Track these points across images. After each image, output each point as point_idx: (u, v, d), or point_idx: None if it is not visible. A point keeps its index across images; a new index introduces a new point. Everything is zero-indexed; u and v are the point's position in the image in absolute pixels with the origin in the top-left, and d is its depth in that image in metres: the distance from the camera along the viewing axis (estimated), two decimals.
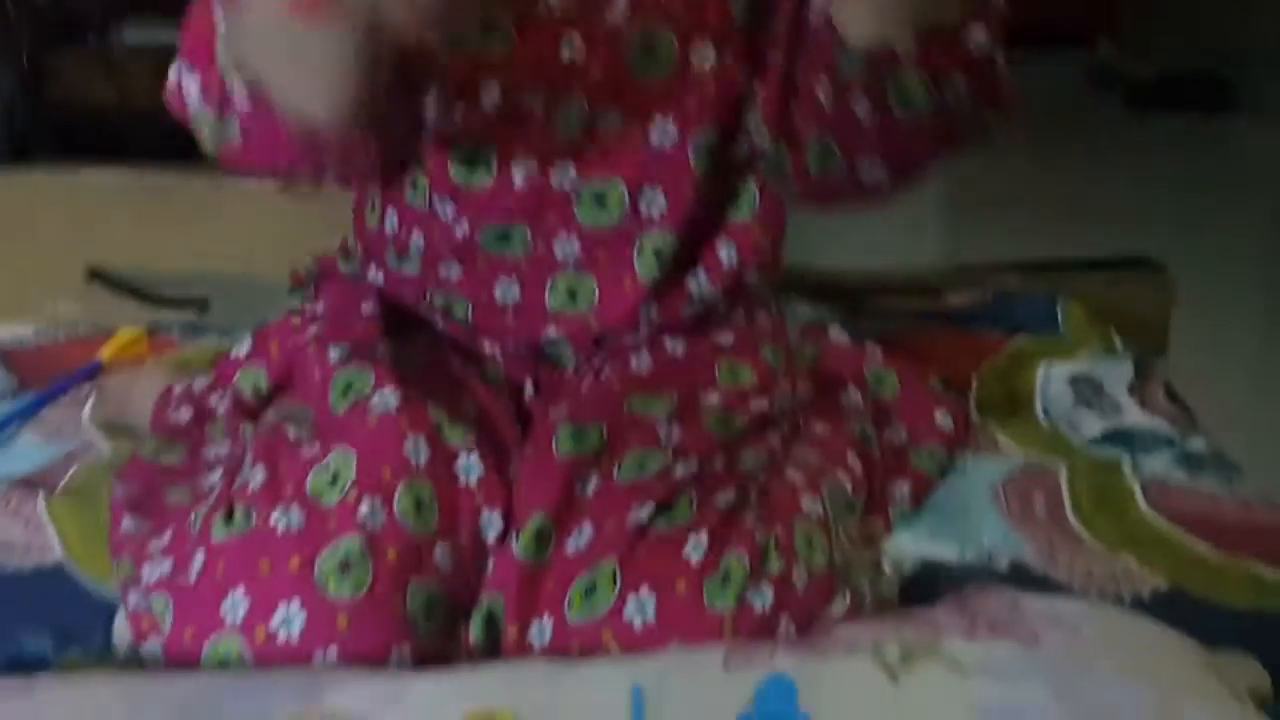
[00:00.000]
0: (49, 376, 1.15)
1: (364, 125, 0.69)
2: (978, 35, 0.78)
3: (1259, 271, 3.12)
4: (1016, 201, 3.46)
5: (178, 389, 0.98)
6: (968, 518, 0.87)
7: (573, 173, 0.84)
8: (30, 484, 0.97)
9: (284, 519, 0.71)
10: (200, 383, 0.95)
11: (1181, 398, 1.06)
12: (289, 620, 0.69)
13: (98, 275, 1.29)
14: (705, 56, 0.84)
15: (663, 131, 0.84)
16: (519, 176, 0.84)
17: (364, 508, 0.71)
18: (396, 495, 0.72)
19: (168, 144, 3.20)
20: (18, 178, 1.34)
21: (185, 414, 0.92)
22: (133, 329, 1.22)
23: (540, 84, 0.82)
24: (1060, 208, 3.44)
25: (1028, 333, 1.12)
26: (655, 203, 0.85)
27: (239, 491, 0.75)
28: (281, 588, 0.69)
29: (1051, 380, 1.05)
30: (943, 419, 0.94)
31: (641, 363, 0.86)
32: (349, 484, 0.72)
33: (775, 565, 0.73)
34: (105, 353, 1.18)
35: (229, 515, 0.73)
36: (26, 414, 1.09)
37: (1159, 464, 0.92)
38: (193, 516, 0.76)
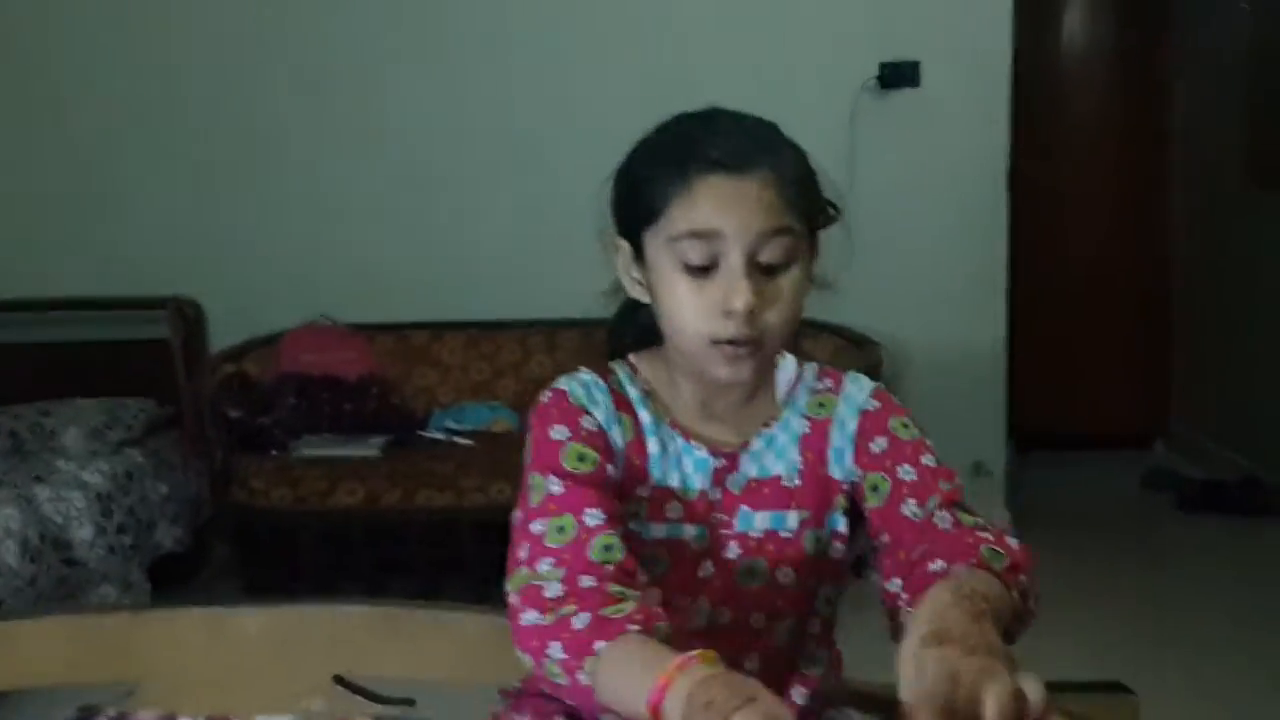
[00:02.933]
0: None
1: None
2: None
3: None
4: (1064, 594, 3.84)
5: None
6: None
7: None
8: None
9: None
10: None
11: None
12: None
13: (340, 681, 1.78)
14: (787, 575, 1.32)
15: (757, 619, 1.31)
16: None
17: None
18: None
19: (333, 542, 3.77)
20: (284, 609, 1.85)
21: None
22: (365, 718, 1.70)
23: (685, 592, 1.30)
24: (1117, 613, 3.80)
25: None
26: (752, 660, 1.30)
27: None
28: None
29: None
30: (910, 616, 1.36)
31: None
32: None
33: None
34: None
35: None
36: None
37: None
38: None
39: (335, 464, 3.80)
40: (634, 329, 1.37)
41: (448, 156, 4.41)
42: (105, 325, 4.28)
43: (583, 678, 1.10)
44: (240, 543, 3.90)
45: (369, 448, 3.90)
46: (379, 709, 1.79)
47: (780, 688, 1.33)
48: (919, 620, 1.00)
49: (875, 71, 4.23)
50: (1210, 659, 3.48)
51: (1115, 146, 5.73)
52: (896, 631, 1.18)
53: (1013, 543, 1.19)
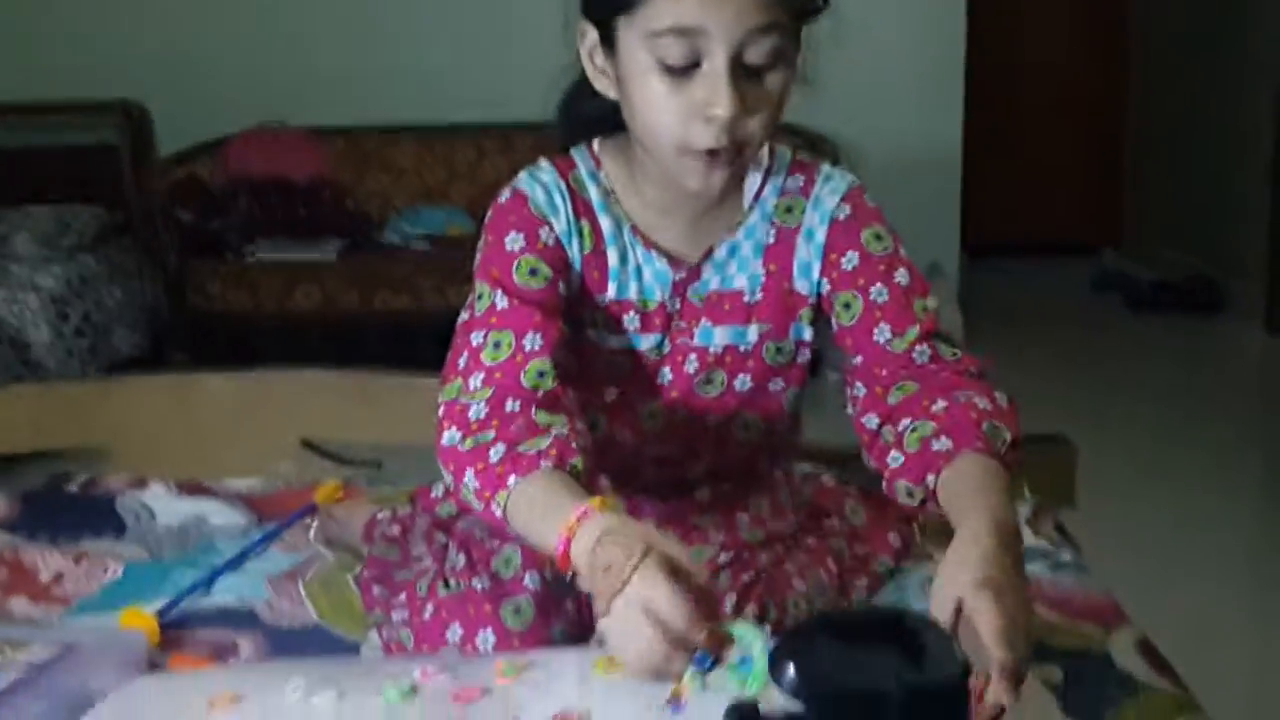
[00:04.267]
0: (279, 513, 1.66)
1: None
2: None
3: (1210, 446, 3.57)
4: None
5: (381, 515, 1.48)
6: (903, 603, 1.34)
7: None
8: (289, 576, 1.47)
9: (479, 584, 1.20)
10: (403, 510, 1.45)
11: (1066, 528, 1.53)
12: (485, 640, 1.17)
13: (308, 445, 1.81)
14: (744, 382, 1.30)
15: (713, 418, 1.30)
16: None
17: (526, 579, 1.20)
18: (545, 569, 1.20)
19: (291, 346, 3.79)
20: (248, 375, 1.87)
21: (395, 529, 1.42)
22: (333, 481, 1.74)
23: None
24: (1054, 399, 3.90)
25: None
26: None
27: (450, 570, 1.24)
28: (480, 622, 1.18)
29: None
30: (894, 539, 1.41)
31: (702, 493, 1.35)
32: (518, 565, 1.20)
33: (772, 616, 1.21)
34: (317, 496, 1.69)
35: (445, 583, 1.22)
36: (273, 536, 1.60)
37: (1035, 567, 1.40)
38: (419, 585, 1.26)
39: (291, 267, 3.80)
40: (588, 115, 1.28)
41: None
42: (51, 131, 4.20)
43: (495, 510, 1.09)
44: (197, 348, 3.90)
45: (324, 251, 3.89)
46: (347, 471, 1.83)
47: (736, 504, 1.34)
48: (967, 562, 0.97)
49: None
50: (1153, 433, 3.61)
51: None
52: (890, 486, 1.17)
53: (1000, 398, 1.17)
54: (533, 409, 1.14)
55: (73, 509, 1.68)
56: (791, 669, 0.68)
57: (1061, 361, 4.33)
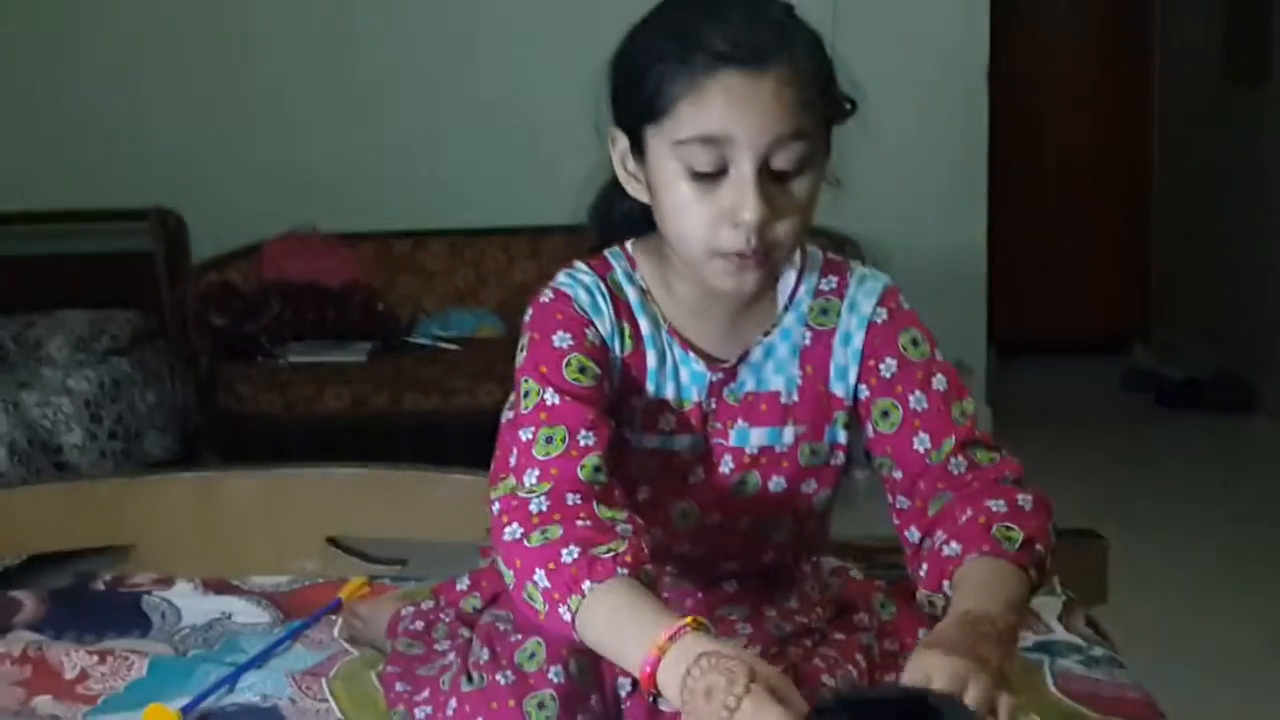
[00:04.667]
0: (304, 610, 1.66)
1: None
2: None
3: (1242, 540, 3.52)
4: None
5: (405, 611, 1.48)
6: None
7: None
8: (313, 673, 1.47)
9: (503, 678, 1.19)
10: (427, 605, 1.44)
11: (1099, 625, 1.51)
12: None
13: (333, 542, 1.81)
14: (779, 484, 1.29)
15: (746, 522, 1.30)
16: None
17: (551, 673, 1.18)
18: (569, 664, 1.19)
19: (321, 447, 3.79)
20: (273, 472, 1.88)
21: (418, 624, 1.42)
22: (359, 578, 1.73)
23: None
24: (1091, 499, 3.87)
25: None
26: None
27: (474, 664, 1.22)
28: (504, 717, 1.16)
29: None
30: (923, 634, 1.39)
31: (729, 585, 1.34)
32: (543, 659, 1.19)
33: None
34: (343, 593, 1.69)
35: (469, 677, 1.21)
36: (298, 631, 1.59)
37: (1067, 662, 1.38)
38: (442, 680, 1.25)
39: (321, 369, 3.83)
40: (621, 217, 1.30)
41: (426, 59, 4.40)
42: (87, 239, 4.27)
43: (565, 614, 1.07)
44: (228, 450, 3.92)
45: (355, 353, 3.92)
46: (372, 569, 1.83)
47: (764, 597, 1.34)
48: (920, 641, 1.05)
49: None
50: (1183, 532, 3.56)
51: (1096, 43, 5.73)
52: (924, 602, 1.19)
53: (1022, 500, 1.18)
54: (594, 503, 1.13)
55: (98, 607, 1.68)
56: None
57: (1092, 460, 4.29)
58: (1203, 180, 5.27)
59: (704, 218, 1.16)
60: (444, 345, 4.05)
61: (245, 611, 1.67)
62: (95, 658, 1.51)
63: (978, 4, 4.35)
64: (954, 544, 1.15)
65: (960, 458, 1.23)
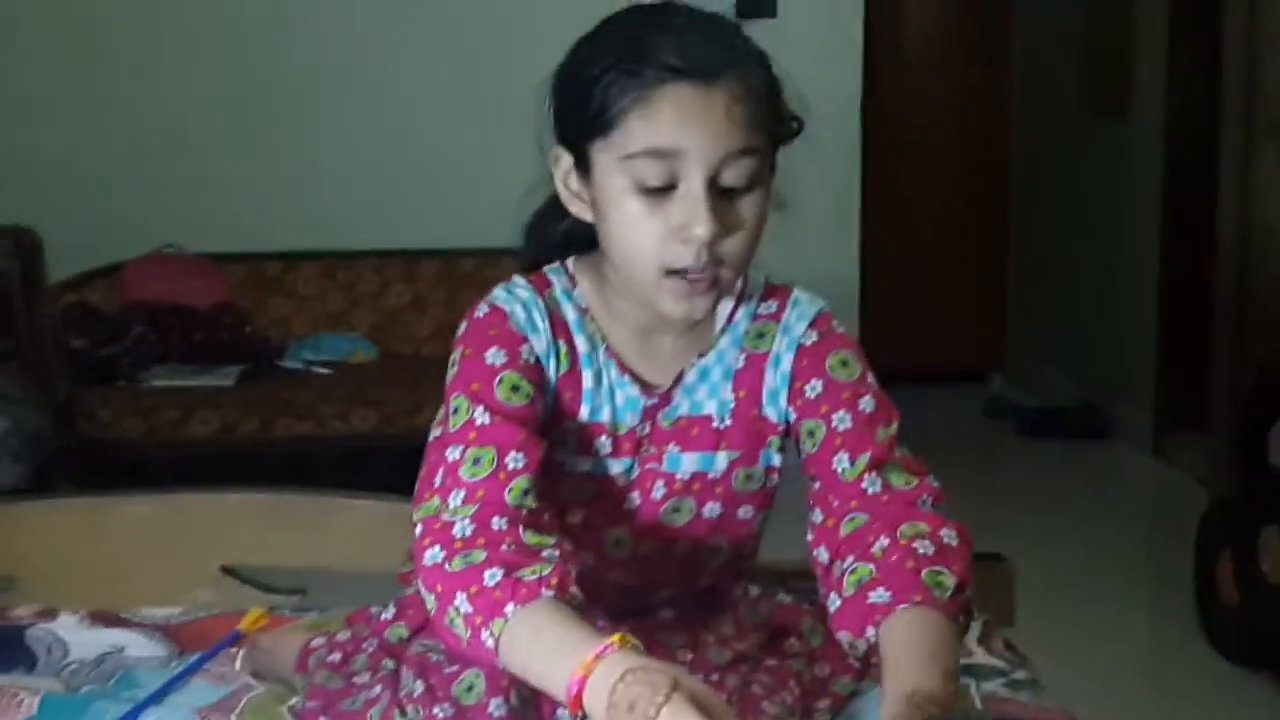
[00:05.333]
0: (200, 643, 1.58)
1: None
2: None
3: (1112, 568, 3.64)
4: None
5: (316, 642, 1.41)
6: None
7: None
8: (218, 709, 1.39)
9: (440, 712, 1.14)
10: (342, 635, 1.38)
11: (1016, 646, 1.53)
12: None
13: (229, 571, 1.74)
14: (713, 510, 1.27)
15: (682, 547, 1.27)
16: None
17: (491, 706, 1.14)
18: (510, 696, 1.15)
19: (187, 475, 3.66)
20: (163, 498, 1.80)
21: (335, 656, 1.35)
22: (257, 609, 1.66)
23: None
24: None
25: None
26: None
27: (406, 697, 1.17)
28: None
29: None
30: (852, 660, 1.38)
31: (665, 614, 1.31)
32: (481, 691, 1.15)
33: None
34: (242, 625, 1.61)
35: (402, 711, 1.16)
36: (195, 667, 1.51)
37: (992, 685, 1.38)
38: (369, 715, 1.19)
39: (188, 394, 3.70)
40: (559, 235, 1.27)
41: (300, 74, 4.30)
42: None
43: (487, 639, 1.05)
44: (86, 478, 3.75)
45: (223, 377, 3.80)
46: (271, 599, 1.75)
47: (701, 623, 1.32)
48: None
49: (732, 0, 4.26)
50: (1052, 556, 3.66)
51: (958, 75, 5.88)
52: (832, 630, 1.18)
53: (947, 536, 1.18)
54: (520, 528, 1.10)
55: None
56: None
57: (955, 488, 4.36)
58: (1059, 213, 5.44)
59: (653, 234, 1.14)
60: (316, 369, 3.95)
61: (138, 644, 1.58)
62: None
63: (852, 39, 4.44)
64: (882, 590, 1.13)
65: (875, 475, 1.22)
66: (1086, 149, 5.18)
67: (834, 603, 1.17)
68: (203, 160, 4.29)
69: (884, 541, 1.16)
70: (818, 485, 1.25)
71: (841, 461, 1.23)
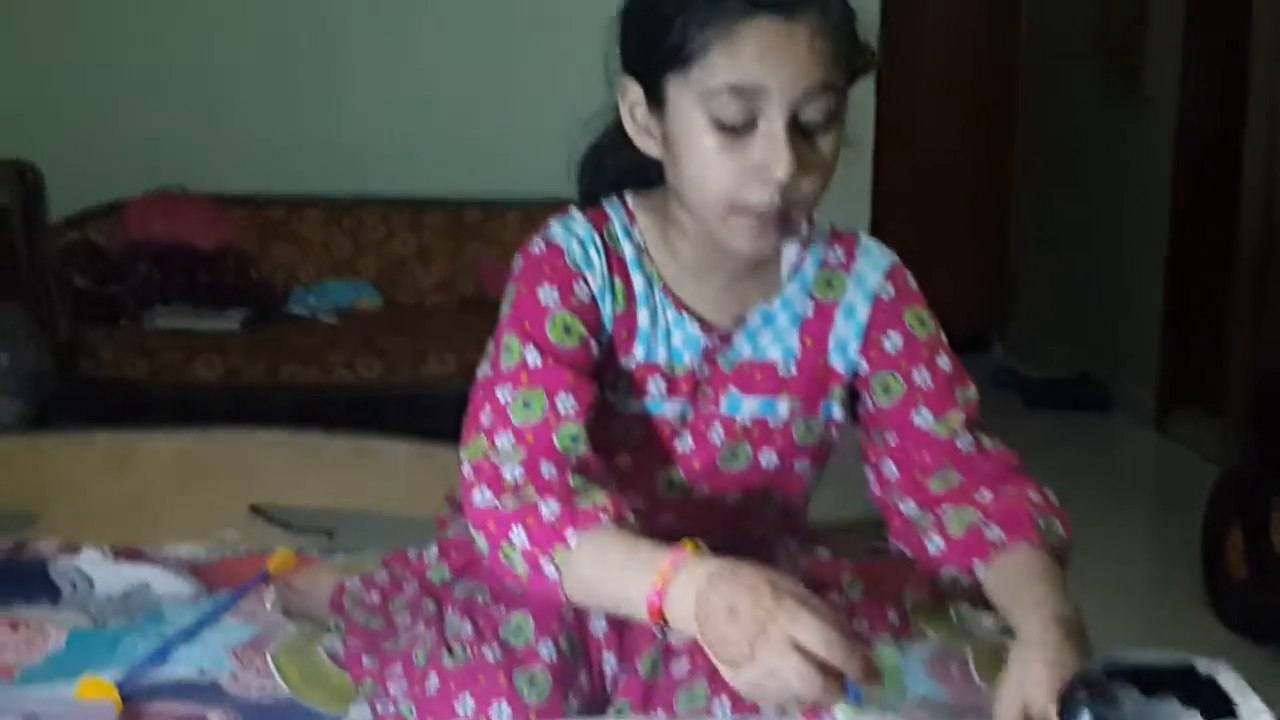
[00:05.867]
0: (227, 582, 1.56)
1: None
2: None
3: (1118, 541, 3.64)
4: None
5: (350, 583, 1.39)
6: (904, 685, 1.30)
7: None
8: (252, 646, 1.37)
9: (490, 653, 1.12)
10: (380, 576, 1.36)
11: None
12: (499, 712, 1.09)
13: (257, 510, 1.71)
14: (770, 460, 1.25)
15: (734, 498, 1.25)
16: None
17: (541, 648, 1.12)
18: (560, 640, 1.13)
19: (192, 420, 3.63)
20: (191, 435, 1.77)
21: (374, 597, 1.33)
22: (286, 549, 1.63)
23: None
24: None
25: None
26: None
27: (453, 638, 1.15)
28: (494, 694, 1.10)
29: None
30: (892, 617, 1.36)
31: None
32: (530, 634, 1.13)
33: None
34: (270, 565, 1.59)
35: (449, 651, 1.14)
36: (227, 606, 1.49)
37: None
38: (415, 655, 1.17)
39: (192, 336, 3.66)
40: (614, 171, 1.25)
41: (310, 16, 4.24)
42: None
43: (550, 570, 1.04)
44: (87, 419, 3.71)
45: (228, 321, 3.76)
46: (298, 540, 1.72)
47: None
48: (1035, 664, 0.99)
49: None
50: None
51: (969, 43, 5.84)
52: (935, 586, 1.18)
53: (1050, 495, 1.18)
54: (569, 474, 1.09)
55: (1, 575, 1.55)
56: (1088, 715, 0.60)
57: None
58: (1065, 183, 5.42)
59: (730, 172, 1.11)
60: (322, 317, 3.91)
61: (164, 581, 1.55)
62: (6, 627, 1.39)
63: (869, 8, 4.39)
64: (995, 528, 1.13)
65: (969, 436, 1.21)
66: (1094, 119, 5.13)
67: (937, 545, 1.16)
68: (207, 98, 4.23)
69: (987, 494, 1.17)
70: (894, 440, 1.23)
71: (925, 417, 1.21)
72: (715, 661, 0.96)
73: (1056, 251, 5.50)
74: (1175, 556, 3.27)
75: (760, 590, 0.94)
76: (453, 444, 1.22)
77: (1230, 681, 0.63)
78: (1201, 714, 0.59)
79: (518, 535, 1.05)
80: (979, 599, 1.14)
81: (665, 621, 0.98)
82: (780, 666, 0.91)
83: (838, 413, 1.27)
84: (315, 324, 3.86)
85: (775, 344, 1.24)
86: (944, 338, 1.26)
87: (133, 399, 3.59)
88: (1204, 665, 0.64)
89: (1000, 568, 1.11)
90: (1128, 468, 4.47)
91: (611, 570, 1.02)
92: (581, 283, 1.18)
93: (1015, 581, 1.09)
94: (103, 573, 1.56)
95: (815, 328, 1.25)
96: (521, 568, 1.06)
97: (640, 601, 0.99)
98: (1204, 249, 4.28)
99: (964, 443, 1.21)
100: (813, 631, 0.91)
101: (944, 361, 1.24)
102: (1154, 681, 0.61)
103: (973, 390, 1.25)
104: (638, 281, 1.21)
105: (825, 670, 0.91)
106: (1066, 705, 0.59)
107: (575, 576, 1.03)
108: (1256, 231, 3.85)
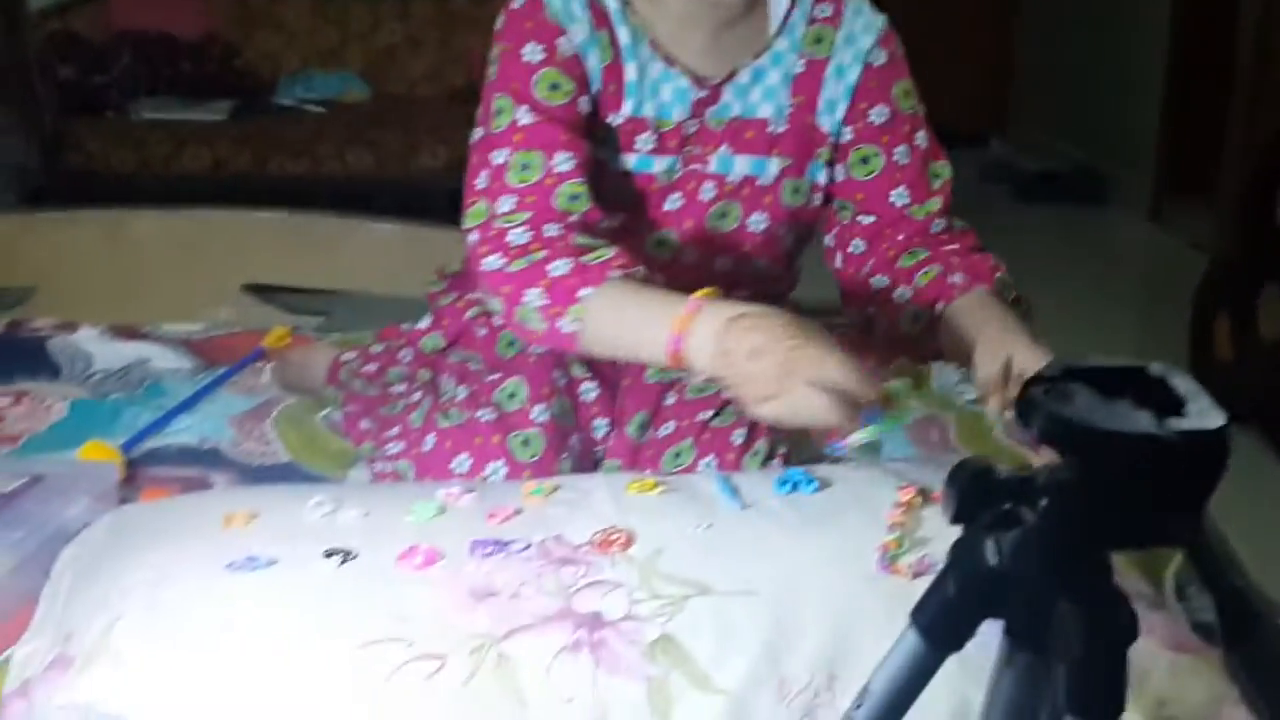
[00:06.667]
0: (224, 359, 1.58)
1: None
2: None
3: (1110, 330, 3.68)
4: None
5: (347, 356, 1.41)
6: (886, 451, 1.34)
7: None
8: (253, 416, 1.40)
9: (485, 414, 1.14)
10: (376, 349, 1.38)
11: None
12: (495, 471, 1.12)
13: (252, 288, 1.72)
14: (759, 222, 1.24)
15: (724, 262, 1.25)
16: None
17: (534, 411, 1.14)
18: (552, 404, 1.15)
19: (179, 205, 3.55)
20: (185, 215, 1.76)
21: (371, 367, 1.35)
22: (281, 327, 1.65)
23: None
24: None
25: None
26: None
27: (447, 401, 1.18)
28: (490, 453, 1.12)
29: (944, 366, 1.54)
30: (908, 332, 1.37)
31: None
32: (524, 398, 1.15)
33: (781, 448, 1.18)
34: (266, 341, 1.61)
35: (445, 414, 1.17)
36: (224, 379, 1.51)
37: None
38: (411, 418, 1.20)
39: (179, 127, 3.61)
40: None
41: None
42: None
43: (565, 324, 1.04)
44: (74, 209, 3.69)
45: (215, 111, 3.70)
46: (291, 319, 1.74)
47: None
48: (1008, 332, 1.05)
49: None
50: (1040, 316, 3.68)
51: None
52: (892, 319, 1.19)
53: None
54: (574, 233, 1.09)
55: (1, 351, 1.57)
56: (1049, 415, 0.59)
57: None
58: None
59: None
60: (310, 107, 3.85)
61: (162, 357, 1.58)
62: (10, 398, 1.42)
63: None
64: (958, 275, 1.15)
65: (942, 220, 1.22)
66: None
67: (904, 295, 1.18)
68: None
69: (955, 260, 1.18)
70: (867, 219, 1.23)
71: (902, 196, 1.22)
72: (736, 397, 0.98)
73: (1060, 43, 5.40)
74: (1165, 343, 3.30)
75: (779, 331, 0.95)
76: (443, 227, 1.22)
77: (1181, 383, 0.64)
78: (1154, 413, 0.60)
79: (532, 296, 1.06)
80: (931, 338, 1.16)
81: (683, 366, 1.00)
82: (806, 400, 0.94)
83: (822, 176, 1.25)
84: (303, 115, 3.81)
85: (766, 100, 1.22)
86: (922, 113, 1.25)
87: (120, 191, 3.54)
88: (1157, 368, 0.65)
89: (959, 306, 1.12)
90: (1121, 258, 4.48)
91: (629, 321, 1.03)
92: (564, 37, 1.16)
93: (973, 310, 1.11)
94: (100, 349, 1.58)
95: (805, 84, 1.22)
96: (539, 325, 1.06)
97: (660, 346, 1.00)
98: (1206, 39, 4.19)
99: (937, 226, 1.22)
100: (837, 367, 0.93)
101: (921, 138, 1.23)
102: (1109, 385, 0.62)
103: (945, 168, 1.25)
104: (622, 34, 1.18)
105: (846, 400, 0.94)
106: (1023, 403, 0.60)
107: (594, 329, 1.04)
108: (1258, 22, 3.77)
